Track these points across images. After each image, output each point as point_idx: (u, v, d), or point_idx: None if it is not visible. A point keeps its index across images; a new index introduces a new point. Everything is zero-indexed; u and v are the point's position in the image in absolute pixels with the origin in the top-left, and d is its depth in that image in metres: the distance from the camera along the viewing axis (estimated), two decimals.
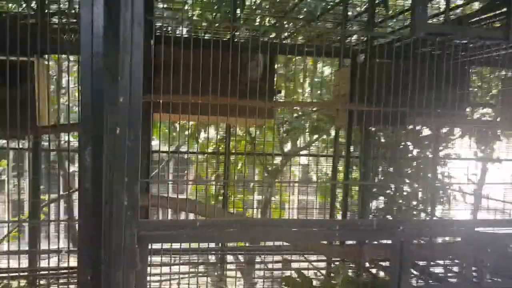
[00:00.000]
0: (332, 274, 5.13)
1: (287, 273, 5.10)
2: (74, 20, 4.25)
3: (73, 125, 4.09)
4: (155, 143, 8.45)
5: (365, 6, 5.26)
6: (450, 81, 4.39)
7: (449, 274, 4.18)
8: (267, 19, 5.75)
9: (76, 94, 6.71)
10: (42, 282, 4.63)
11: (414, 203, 7.12)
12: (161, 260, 4.43)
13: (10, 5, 5.09)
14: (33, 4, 4.79)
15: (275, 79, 5.05)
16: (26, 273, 4.60)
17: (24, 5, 5.12)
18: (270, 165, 7.75)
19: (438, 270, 4.56)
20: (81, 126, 1.43)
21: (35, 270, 4.57)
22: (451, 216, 7.23)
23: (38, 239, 4.74)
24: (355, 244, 4.57)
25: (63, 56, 6.13)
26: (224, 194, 5.77)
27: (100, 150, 1.44)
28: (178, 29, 5.38)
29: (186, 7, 5.41)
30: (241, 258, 6.18)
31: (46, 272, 4.44)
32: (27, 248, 4.83)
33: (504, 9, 3.46)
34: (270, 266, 5.43)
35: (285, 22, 5.54)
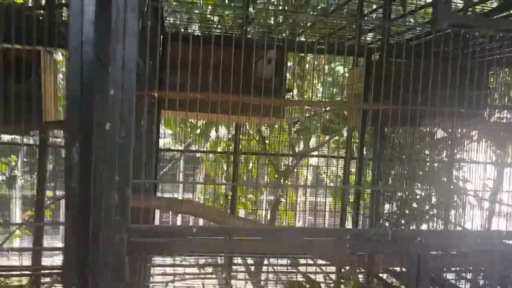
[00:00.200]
0: (342, 280, 4.98)
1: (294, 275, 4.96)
2: None
3: None
4: (165, 141, 8.38)
5: (381, 1, 5.08)
6: (467, 81, 4.21)
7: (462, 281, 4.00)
8: (280, 17, 5.61)
9: None
10: (46, 280, 4.56)
11: (427, 207, 6.93)
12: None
13: None
14: None
15: (286, 77, 4.90)
16: (29, 272, 4.53)
17: None
18: (281, 165, 7.60)
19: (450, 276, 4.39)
20: (68, 120, 1.31)
21: (38, 268, 4.50)
22: (465, 221, 7.02)
23: (42, 237, 4.67)
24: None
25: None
26: (232, 195, 5.63)
27: (89, 147, 1.31)
28: (189, 26, 5.27)
29: (198, 2, 5.30)
30: (249, 260, 6.05)
31: (49, 270, 4.36)
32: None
33: None
34: (277, 269, 5.29)
35: (297, 18, 5.39)
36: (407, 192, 6.52)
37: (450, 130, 5.93)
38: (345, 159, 5.80)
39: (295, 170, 7.68)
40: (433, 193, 6.81)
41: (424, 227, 7.57)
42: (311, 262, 5.37)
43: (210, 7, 5.49)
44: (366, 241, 1.39)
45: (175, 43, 4.32)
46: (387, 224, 6.04)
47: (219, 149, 7.75)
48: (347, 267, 5.22)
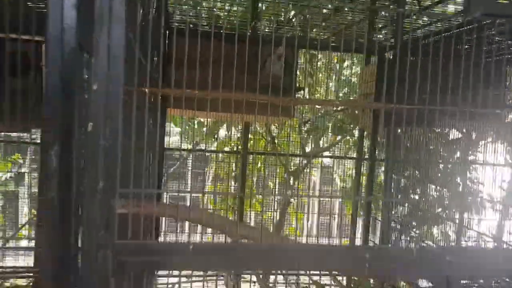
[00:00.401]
0: (352, 285, 4.79)
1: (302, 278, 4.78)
2: None
3: None
4: (173, 139, 8.23)
5: None
6: (481, 80, 3.98)
7: None
8: (290, 12, 5.42)
9: None
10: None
11: (439, 209, 6.72)
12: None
13: None
14: None
15: (297, 75, 4.71)
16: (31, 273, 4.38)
17: None
18: (290, 166, 7.41)
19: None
20: (46, 119, 1.13)
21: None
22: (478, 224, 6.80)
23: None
24: None
25: None
26: (241, 198, 5.46)
27: (70, 150, 1.14)
28: (196, 21, 5.10)
29: None
30: None
31: None
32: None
33: None
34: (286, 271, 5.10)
35: (308, 15, 5.19)
36: (418, 194, 6.31)
37: (465, 131, 5.70)
38: (357, 160, 5.59)
39: (306, 170, 7.48)
40: (446, 195, 6.60)
41: (435, 230, 7.36)
42: None
43: (219, 1, 5.32)
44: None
45: (181, 38, 4.16)
46: (398, 226, 5.84)
47: (227, 149, 7.58)
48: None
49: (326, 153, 7.31)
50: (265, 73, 4.30)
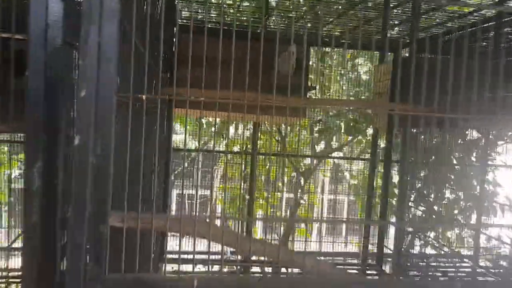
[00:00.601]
0: None
1: None
2: None
3: None
4: (180, 138, 8.07)
5: None
6: (501, 81, 3.77)
7: None
8: (303, 8, 5.22)
9: None
10: None
11: (456, 211, 6.52)
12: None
13: None
14: None
15: (308, 74, 4.53)
16: None
17: None
18: (300, 165, 7.23)
19: None
20: (28, 131, 0.97)
21: None
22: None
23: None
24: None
25: None
26: (250, 198, 5.29)
27: (54, 168, 0.97)
28: (204, 18, 4.93)
29: None
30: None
31: None
32: None
33: None
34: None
35: (319, 12, 4.99)
36: (432, 196, 6.12)
37: (484, 131, 5.48)
38: (371, 161, 5.39)
39: (316, 171, 7.29)
40: (462, 197, 6.40)
41: (450, 233, 7.14)
42: None
43: None
44: None
45: (188, 36, 3.99)
46: (411, 229, 5.64)
47: (236, 148, 7.41)
48: None
49: (338, 154, 7.12)
50: (276, 72, 4.12)
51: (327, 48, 6.10)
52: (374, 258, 5.33)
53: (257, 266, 4.65)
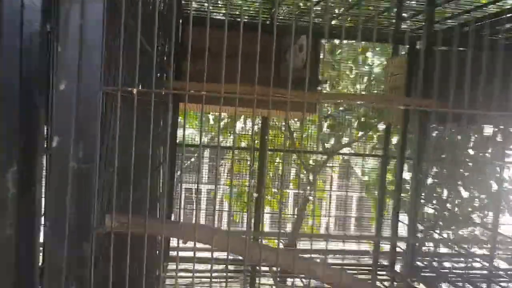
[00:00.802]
0: None
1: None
2: None
3: None
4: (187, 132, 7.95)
5: None
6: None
7: None
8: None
9: None
10: None
11: (470, 209, 6.35)
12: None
13: None
14: None
15: (319, 67, 4.37)
16: None
17: None
18: (309, 161, 7.07)
19: None
20: (1, 131, 0.83)
21: None
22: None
23: None
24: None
25: None
26: (259, 197, 5.15)
27: (31, 173, 0.84)
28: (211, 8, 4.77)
29: None
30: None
31: None
32: None
33: None
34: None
35: (330, 2, 4.81)
36: (445, 194, 5.97)
37: (502, 127, 5.29)
38: (382, 158, 5.22)
39: (325, 167, 7.13)
40: (479, 195, 6.23)
41: (463, 231, 6.97)
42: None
43: None
44: None
45: (194, 28, 3.85)
46: (421, 228, 5.49)
47: (243, 144, 7.27)
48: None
49: (349, 150, 6.95)
50: (285, 65, 3.97)
51: (337, 41, 5.93)
52: (385, 257, 5.18)
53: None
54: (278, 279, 5.50)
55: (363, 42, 5.99)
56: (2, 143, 0.83)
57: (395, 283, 4.64)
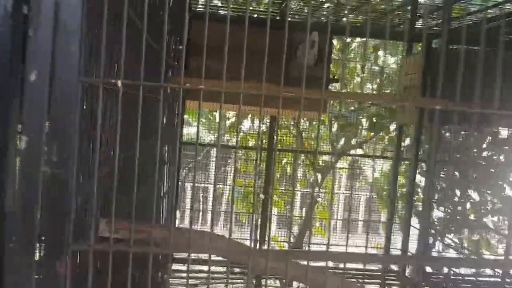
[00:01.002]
0: None
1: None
2: None
3: None
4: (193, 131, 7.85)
5: None
6: None
7: None
8: None
9: None
10: None
11: (483, 211, 6.19)
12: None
13: None
14: None
15: (331, 65, 4.23)
16: None
17: None
18: (318, 162, 6.93)
19: None
20: None
21: None
22: None
23: None
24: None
25: None
26: (265, 197, 5.03)
27: (2, 178, 0.71)
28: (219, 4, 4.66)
29: None
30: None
31: None
32: None
33: None
34: None
35: None
36: (457, 196, 5.82)
37: None
38: (394, 160, 5.06)
39: (334, 168, 6.98)
40: (493, 199, 6.07)
41: (476, 236, 6.80)
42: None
43: None
44: None
45: (202, 23, 3.75)
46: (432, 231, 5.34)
47: (251, 143, 7.15)
48: None
49: (359, 151, 6.80)
50: (296, 63, 3.84)
51: (349, 39, 5.77)
52: (396, 262, 5.04)
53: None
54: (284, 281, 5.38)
55: (375, 40, 5.84)
56: None
57: None
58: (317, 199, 7.07)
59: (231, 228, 1.46)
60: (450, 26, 4.36)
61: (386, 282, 4.85)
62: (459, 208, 5.94)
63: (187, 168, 7.47)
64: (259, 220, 5.31)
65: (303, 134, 6.66)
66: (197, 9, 4.45)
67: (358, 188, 8.21)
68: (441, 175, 5.53)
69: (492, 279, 5.01)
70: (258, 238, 5.08)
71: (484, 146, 5.70)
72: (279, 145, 6.10)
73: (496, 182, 5.97)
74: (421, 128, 4.37)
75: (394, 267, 4.95)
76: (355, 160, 7.07)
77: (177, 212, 4.93)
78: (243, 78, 1.84)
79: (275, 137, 4.99)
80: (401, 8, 4.60)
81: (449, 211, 5.85)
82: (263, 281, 4.94)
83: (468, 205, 6.18)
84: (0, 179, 0.72)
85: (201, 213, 9.09)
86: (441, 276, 4.76)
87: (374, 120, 5.82)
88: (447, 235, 5.70)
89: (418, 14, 4.51)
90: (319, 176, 6.95)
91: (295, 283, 5.78)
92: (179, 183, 4.63)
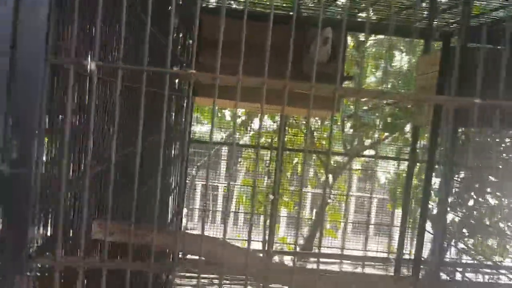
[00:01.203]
0: None
1: None
2: None
3: None
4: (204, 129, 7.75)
5: None
6: None
7: None
8: None
9: None
10: None
11: (499, 216, 6.02)
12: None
13: None
14: None
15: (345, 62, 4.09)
16: None
17: None
18: (330, 162, 6.79)
19: None
20: None
21: None
22: None
23: None
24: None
25: None
26: (274, 196, 4.92)
27: None
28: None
29: None
30: None
31: None
32: None
33: None
34: None
35: None
36: (474, 199, 5.65)
37: None
38: (409, 161, 4.91)
39: (346, 169, 6.83)
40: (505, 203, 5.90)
41: (490, 241, 6.62)
42: None
43: None
44: None
45: (212, 18, 3.63)
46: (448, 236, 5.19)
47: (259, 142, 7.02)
48: None
49: (371, 152, 6.64)
50: (309, 59, 3.70)
51: (363, 36, 5.62)
52: (408, 266, 4.91)
53: None
54: None
55: (391, 38, 5.68)
56: None
57: None
58: (328, 201, 6.93)
59: (226, 229, 1.33)
60: (469, 23, 4.19)
61: None
62: (475, 212, 5.78)
63: (196, 166, 7.38)
64: (268, 221, 5.20)
65: (315, 134, 6.52)
66: (207, 4, 4.34)
67: (370, 189, 8.06)
68: (455, 178, 5.37)
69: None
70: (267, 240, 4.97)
71: (502, 148, 5.53)
72: (289, 145, 5.97)
73: None
74: (437, 129, 4.21)
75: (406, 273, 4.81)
76: (368, 161, 6.91)
77: (185, 210, 4.83)
78: (239, 71, 1.70)
79: (283, 136, 4.87)
80: (414, 7, 4.45)
81: (464, 215, 5.70)
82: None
83: (484, 210, 6.02)
84: None
85: (210, 212, 8.99)
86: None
87: (389, 121, 5.67)
88: (461, 240, 5.54)
89: (436, 10, 4.35)
90: (330, 177, 6.81)
91: None
92: (188, 181, 4.53)
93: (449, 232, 5.35)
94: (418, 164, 5.39)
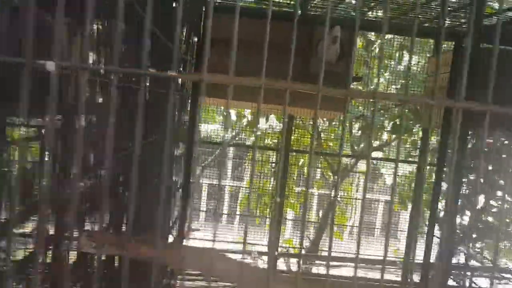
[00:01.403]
0: None
1: None
2: None
3: None
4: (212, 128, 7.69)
5: None
6: None
7: None
8: None
9: None
10: None
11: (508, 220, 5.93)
12: None
13: None
14: None
15: (354, 62, 4.01)
16: None
17: None
18: (336, 163, 6.71)
19: None
20: None
21: None
22: None
23: None
24: None
25: None
26: (281, 198, 4.83)
27: None
28: None
29: None
30: None
31: None
32: None
33: None
34: None
35: None
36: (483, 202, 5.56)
37: None
38: (419, 164, 4.82)
39: (353, 171, 6.75)
40: None
41: (502, 245, 6.52)
42: None
43: None
44: None
45: (217, 16, 3.55)
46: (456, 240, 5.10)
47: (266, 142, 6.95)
48: None
49: (380, 154, 6.55)
50: (317, 58, 3.62)
51: (372, 35, 5.54)
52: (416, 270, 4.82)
53: None
54: None
55: (400, 38, 5.59)
56: None
57: None
58: (336, 204, 6.85)
59: (215, 231, 1.25)
60: (482, 23, 4.09)
61: None
62: (483, 216, 5.70)
63: (201, 166, 7.33)
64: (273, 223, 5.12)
65: (322, 135, 6.44)
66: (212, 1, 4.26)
67: (376, 191, 7.98)
68: (464, 181, 5.29)
69: None
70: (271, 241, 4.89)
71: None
72: (296, 146, 5.89)
73: None
74: (446, 131, 4.13)
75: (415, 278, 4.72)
76: (375, 163, 6.82)
77: (189, 210, 4.76)
78: (234, 70, 1.62)
79: (287, 137, 4.79)
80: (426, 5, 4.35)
81: (471, 218, 5.62)
82: None
83: (492, 214, 5.94)
84: None
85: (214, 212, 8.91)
86: None
87: (398, 122, 5.57)
88: (468, 244, 5.46)
89: (447, 9, 4.26)
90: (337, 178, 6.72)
91: None
92: (193, 181, 4.46)
93: (457, 236, 5.27)
94: (427, 166, 5.30)
